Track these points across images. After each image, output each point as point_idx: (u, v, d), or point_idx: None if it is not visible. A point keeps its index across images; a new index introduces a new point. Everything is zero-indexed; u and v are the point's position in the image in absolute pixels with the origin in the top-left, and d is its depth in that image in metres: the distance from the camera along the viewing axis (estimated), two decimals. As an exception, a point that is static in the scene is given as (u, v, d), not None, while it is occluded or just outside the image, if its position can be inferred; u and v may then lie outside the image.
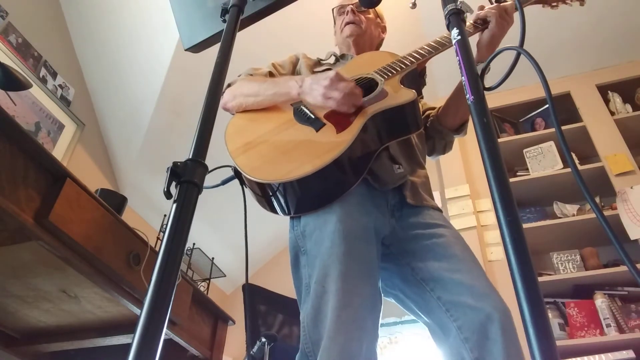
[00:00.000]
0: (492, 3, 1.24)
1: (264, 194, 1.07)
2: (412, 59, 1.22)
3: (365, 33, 1.43)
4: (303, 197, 1.05)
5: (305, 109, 1.14)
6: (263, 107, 1.20)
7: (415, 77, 1.24)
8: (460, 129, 1.34)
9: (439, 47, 1.24)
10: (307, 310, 0.95)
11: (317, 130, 1.08)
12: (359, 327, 0.90)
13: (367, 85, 1.18)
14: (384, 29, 1.53)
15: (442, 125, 1.34)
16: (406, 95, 1.11)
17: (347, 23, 1.42)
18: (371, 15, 1.47)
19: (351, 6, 1.43)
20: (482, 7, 1.26)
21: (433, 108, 1.42)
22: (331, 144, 1.03)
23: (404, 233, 1.13)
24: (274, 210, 1.11)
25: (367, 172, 1.09)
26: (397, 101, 1.11)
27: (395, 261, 1.12)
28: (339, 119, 1.09)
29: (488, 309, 0.93)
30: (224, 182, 1.09)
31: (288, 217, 1.13)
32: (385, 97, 1.12)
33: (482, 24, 1.23)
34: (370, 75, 1.20)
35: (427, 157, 1.39)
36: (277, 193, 1.05)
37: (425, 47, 1.24)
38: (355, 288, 0.93)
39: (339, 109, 1.10)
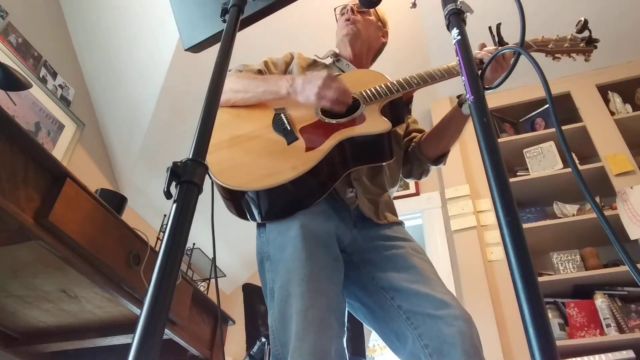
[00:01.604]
0: (495, 44, 1.22)
1: (230, 197, 1.09)
2: (399, 87, 1.20)
3: (360, 33, 1.42)
4: (263, 207, 1.08)
5: (283, 119, 1.15)
6: (250, 104, 1.21)
7: (399, 106, 1.23)
8: (439, 160, 1.35)
9: (429, 79, 1.22)
10: (274, 315, 0.99)
11: (288, 144, 1.09)
12: (327, 326, 0.93)
13: (350, 106, 1.17)
14: (385, 34, 1.52)
15: (422, 154, 1.34)
16: (381, 125, 1.11)
17: (345, 21, 1.43)
18: (371, 18, 1.46)
19: (351, 5, 1.44)
20: (482, 46, 1.25)
21: (420, 131, 1.43)
22: (297, 161, 1.05)
23: (365, 244, 1.16)
24: (240, 215, 1.12)
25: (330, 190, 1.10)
26: (370, 130, 1.10)
27: (356, 270, 1.14)
28: (312, 137, 1.10)
29: (447, 317, 0.97)
30: None
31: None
32: (361, 124, 1.12)
33: (478, 64, 1.21)
34: (356, 96, 1.19)
35: (405, 179, 1.42)
36: (239, 199, 1.07)
37: (416, 77, 1.22)
38: (319, 290, 0.96)
39: (332, 108, 1.12)
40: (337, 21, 1.52)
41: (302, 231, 1.01)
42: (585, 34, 1.23)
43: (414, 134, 1.41)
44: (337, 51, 1.48)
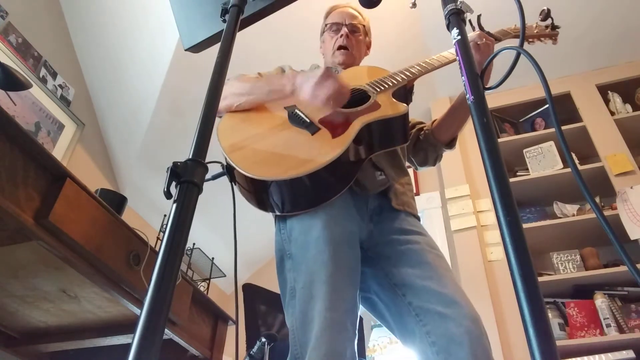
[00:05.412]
0: (473, 29, 1.26)
1: (256, 190, 1.09)
2: (404, 76, 1.26)
3: (354, 58, 1.44)
4: (294, 197, 1.08)
5: (300, 113, 1.16)
6: (255, 107, 1.21)
7: (403, 94, 1.28)
8: (451, 143, 1.40)
9: (429, 68, 1.30)
10: (295, 315, 0.99)
11: (312, 134, 1.10)
12: (343, 329, 0.95)
13: (358, 97, 1.20)
14: (369, 46, 1.54)
15: (437, 139, 1.38)
16: (399, 108, 1.16)
17: (340, 47, 1.41)
18: (361, 37, 1.47)
19: (346, 30, 1.42)
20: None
21: (421, 123, 1.47)
22: (326, 148, 1.06)
23: (381, 237, 1.17)
24: (262, 207, 1.13)
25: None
26: (391, 113, 1.15)
27: (371, 264, 1.15)
28: (334, 125, 1.12)
29: (456, 316, 0.97)
30: (214, 177, 1.10)
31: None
32: (378, 109, 1.16)
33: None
34: (363, 87, 1.22)
35: (420, 167, 1.47)
36: (269, 191, 1.07)
37: (416, 66, 1.29)
38: (340, 292, 0.97)
39: (324, 107, 1.14)
40: (322, 31, 1.50)
41: (325, 232, 1.01)
42: (549, 21, 1.36)
43: (418, 125, 1.45)
44: (322, 66, 1.47)
